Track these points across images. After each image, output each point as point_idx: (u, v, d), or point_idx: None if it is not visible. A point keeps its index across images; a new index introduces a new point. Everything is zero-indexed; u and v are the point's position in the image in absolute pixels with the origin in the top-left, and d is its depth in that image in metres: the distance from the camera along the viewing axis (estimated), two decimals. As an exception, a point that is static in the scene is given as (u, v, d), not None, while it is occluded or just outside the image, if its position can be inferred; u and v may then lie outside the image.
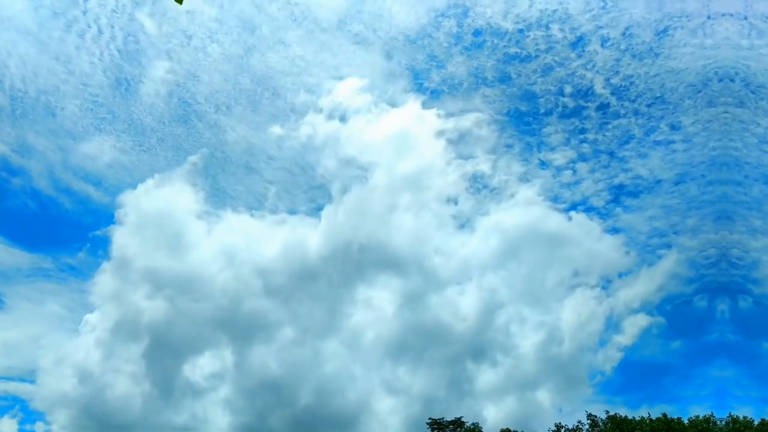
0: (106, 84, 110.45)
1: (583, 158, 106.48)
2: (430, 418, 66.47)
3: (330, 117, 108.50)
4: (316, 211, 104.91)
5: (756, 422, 58.28)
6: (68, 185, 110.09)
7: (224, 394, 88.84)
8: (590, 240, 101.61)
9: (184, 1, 5.08)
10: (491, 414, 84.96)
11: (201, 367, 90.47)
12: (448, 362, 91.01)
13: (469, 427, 64.17)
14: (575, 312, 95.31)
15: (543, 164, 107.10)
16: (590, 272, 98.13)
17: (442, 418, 65.84)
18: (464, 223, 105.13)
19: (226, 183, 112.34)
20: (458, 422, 65.31)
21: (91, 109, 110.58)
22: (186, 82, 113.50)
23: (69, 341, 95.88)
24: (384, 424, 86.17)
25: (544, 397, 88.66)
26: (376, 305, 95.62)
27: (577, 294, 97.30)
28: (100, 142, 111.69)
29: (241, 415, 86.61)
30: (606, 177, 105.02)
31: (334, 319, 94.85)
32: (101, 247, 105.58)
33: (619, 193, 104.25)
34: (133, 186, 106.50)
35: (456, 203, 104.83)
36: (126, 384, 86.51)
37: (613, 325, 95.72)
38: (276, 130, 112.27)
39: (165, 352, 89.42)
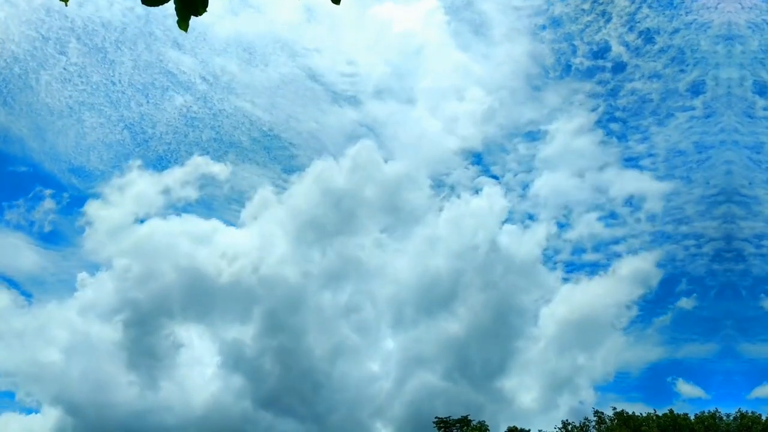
0: (83, 52, 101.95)
1: (599, 125, 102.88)
2: (436, 417, 66.52)
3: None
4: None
5: (764, 417, 58.19)
6: (51, 170, 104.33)
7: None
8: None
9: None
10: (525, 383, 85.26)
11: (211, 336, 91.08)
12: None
13: (476, 426, 64.07)
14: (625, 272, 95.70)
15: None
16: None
17: (449, 417, 65.87)
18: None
19: (223, 160, 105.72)
20: (465, 420, 65.31)
21: (69, 80, 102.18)
22: (168, 51, 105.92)
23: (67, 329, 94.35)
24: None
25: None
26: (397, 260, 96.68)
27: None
28: (80, 118, 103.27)
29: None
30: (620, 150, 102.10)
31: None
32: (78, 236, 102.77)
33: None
34: (120, 168, 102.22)
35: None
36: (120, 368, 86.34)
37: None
38: (270, 103, 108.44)
39: (150, 328, 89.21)
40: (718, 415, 60.14)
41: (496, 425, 69.13)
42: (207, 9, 4.92)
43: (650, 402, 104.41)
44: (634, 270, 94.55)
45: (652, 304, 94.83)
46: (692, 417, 60.35)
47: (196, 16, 4.93)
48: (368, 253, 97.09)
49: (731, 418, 59.16)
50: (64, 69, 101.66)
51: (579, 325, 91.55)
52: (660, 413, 61.20)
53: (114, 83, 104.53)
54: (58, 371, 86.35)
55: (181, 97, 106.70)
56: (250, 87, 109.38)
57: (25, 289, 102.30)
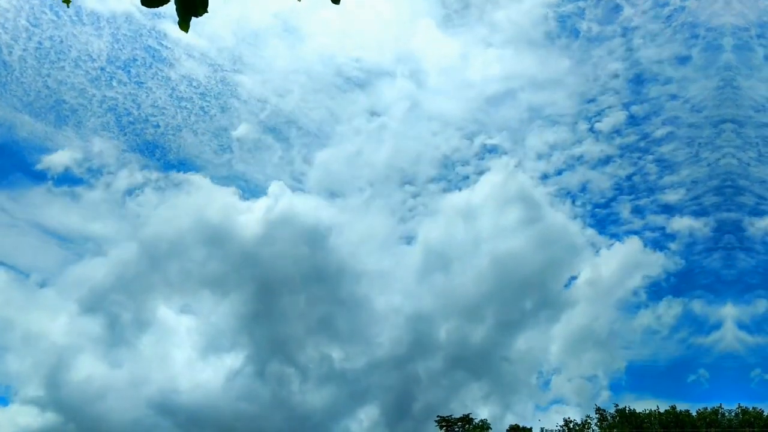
0: (59, 25, 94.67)
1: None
2: (438, 416, 66.68)
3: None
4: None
5: (766, 413, 58.11)
6: (32, 158, 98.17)
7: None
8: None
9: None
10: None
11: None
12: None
13: (478, 424, 64.19)
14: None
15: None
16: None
17: (450, 416, 65.98)
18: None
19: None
20: (467, 419, 65.43)
21: (46, 57, 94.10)
22: (148, 22, 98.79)
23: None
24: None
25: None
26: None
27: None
28: (60, 99, 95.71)
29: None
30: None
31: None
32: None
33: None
34: (106, 153, 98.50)
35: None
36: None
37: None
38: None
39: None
40: (720, 411, 60.09)
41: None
42: (207, 10, 4.88)
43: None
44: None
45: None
46: (694, 413, 60.35)
47: (197, 16, 4.89)
48: (379, 227, 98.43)
49: (733, 413, 59.16)
50: (39, 44, 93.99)
51: (616, 292, 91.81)
52: (662, 409, 61.27)
53: (93, 59, 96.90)
54: (34, 358, 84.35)
55: (165, 75, 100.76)
56: (240, 62, 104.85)
57: (13, 270, 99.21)
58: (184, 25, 4.76)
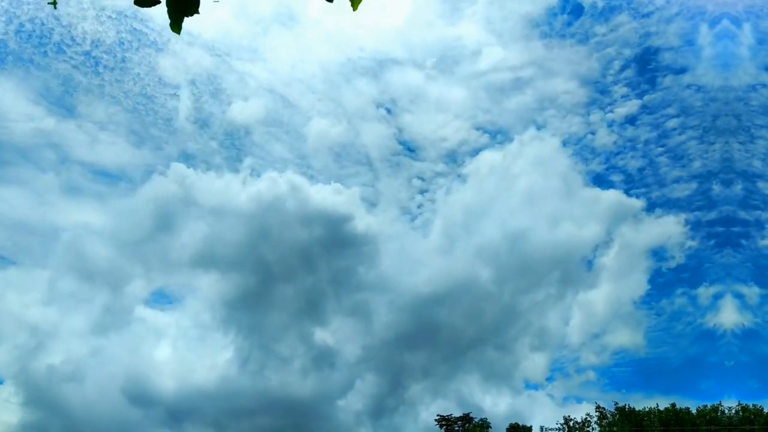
0: (39, 7, 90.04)
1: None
2: (438, 415, 66.62)
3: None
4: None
5: (766, 410, 58.11)
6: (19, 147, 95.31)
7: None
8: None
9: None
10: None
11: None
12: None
13: (478, 423, 64.17)
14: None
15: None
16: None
17: (450, 415, 65.95)
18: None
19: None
20: (466, 418, 65.37)
21: (29, 41, 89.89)
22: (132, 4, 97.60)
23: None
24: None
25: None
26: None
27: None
28: (47, 87, 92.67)
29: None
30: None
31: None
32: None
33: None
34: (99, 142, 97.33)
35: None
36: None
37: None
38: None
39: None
40: (720, 408, 60.07)
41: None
42: (198, 10, 4.83)
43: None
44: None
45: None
46: (694, 411, 60.33)
47: (189, 16, 4.85)
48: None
49: (733, 411, 59.14)
50: (20, 27, 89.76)
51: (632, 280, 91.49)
52: (662, 407, 61.25)
53: (78, 43, 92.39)
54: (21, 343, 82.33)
55: (152, 59, 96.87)
56: (228, 43, 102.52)
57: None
58: (176, 27, 4.70)
